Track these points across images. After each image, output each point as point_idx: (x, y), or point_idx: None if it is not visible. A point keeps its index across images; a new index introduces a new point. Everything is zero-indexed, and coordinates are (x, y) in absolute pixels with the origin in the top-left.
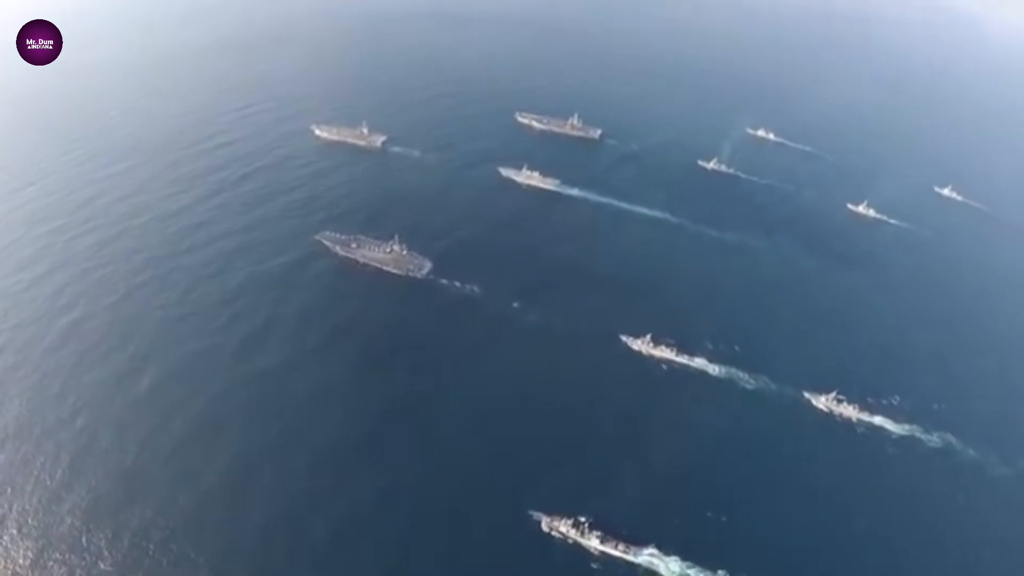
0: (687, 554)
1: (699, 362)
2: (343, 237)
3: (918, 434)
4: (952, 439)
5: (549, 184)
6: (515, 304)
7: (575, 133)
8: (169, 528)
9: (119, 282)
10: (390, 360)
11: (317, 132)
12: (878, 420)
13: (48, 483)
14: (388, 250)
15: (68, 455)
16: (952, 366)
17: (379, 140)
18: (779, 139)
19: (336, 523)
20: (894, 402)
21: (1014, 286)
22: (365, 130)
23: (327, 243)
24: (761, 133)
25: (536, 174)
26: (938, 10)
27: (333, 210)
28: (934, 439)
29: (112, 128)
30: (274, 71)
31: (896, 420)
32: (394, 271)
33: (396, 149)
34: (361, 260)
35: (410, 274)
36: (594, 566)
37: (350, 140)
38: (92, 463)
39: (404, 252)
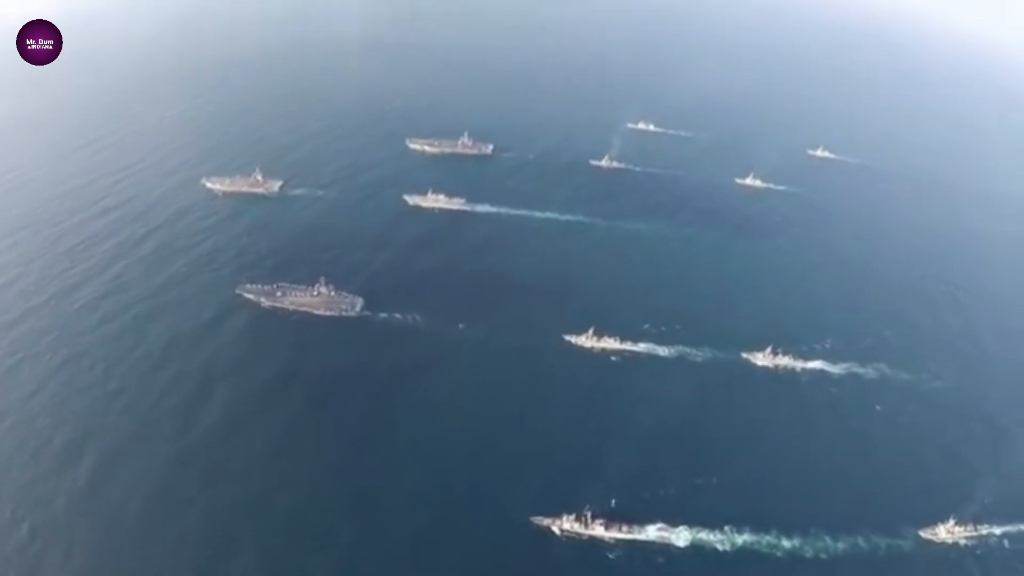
0: (692, 520)
1: (644, 346)
2: (265, 287)
3: (855, 369)
4: (885, 368)
5: (456, 204)
6: (461, 325)
7: (468, 151)
8: None
9: (32, 370)
10: (343, 402)
11: (209, 185)
12: (817, 364)
13: None
14: (315, 293)
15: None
16: (858, 303)
17: (276, 185)
18: (659, 128)
19: None
20: (826, 345)
21: (889, 222)
22: (259, 176)
23: (249, 295)
24: (642, 126)
25: (442, 196)
26: None
27: (243, 261)
28: (869, 371)
29: None
30: (151, 125)
31: (832, 361)
32: (326, 313)
33: (296, 191)
34: (290, 307)
35: (343, 314)
36: (611, 556)
37: (245, 189)
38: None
39: (332, 293)
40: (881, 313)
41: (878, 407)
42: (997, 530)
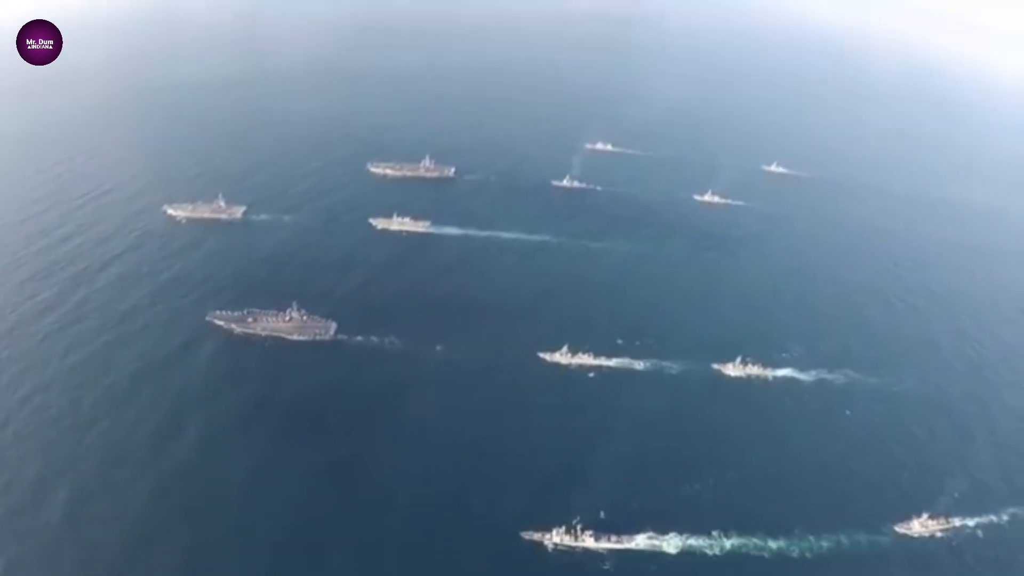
0: (681, 527)
1: (618, 361)
2: (236, 313)
3: (824, 375)
4: (852, 373)
5: (422, 227)
6: (439, 347)
7: (430, 174)
8: None
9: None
10: (323, 426)
11: (171, 212)
12: (787, 372)
13: None
14: (287, 318)
15: None
16: (819, 311)
17: (239, 210)
18: (617, 148)
19: None
20: (792, 354)
21: (843, 232)
22: (222, 203)
23: (219, 322)
24: (599, 146)
25: (408, 219)
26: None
27: (210, 288)
28: (838, 377)
29: None
30: (109, 151)
31: (801, 368)
32: (300, 338)
33: (260, 217)
34: (262, 333)
35: (317, 338)
36: (605, 567)
37: (208, 215)
38: None
39: (305, 317)
40: (842, 320)
41: (848, 412)
42: (970, 522)
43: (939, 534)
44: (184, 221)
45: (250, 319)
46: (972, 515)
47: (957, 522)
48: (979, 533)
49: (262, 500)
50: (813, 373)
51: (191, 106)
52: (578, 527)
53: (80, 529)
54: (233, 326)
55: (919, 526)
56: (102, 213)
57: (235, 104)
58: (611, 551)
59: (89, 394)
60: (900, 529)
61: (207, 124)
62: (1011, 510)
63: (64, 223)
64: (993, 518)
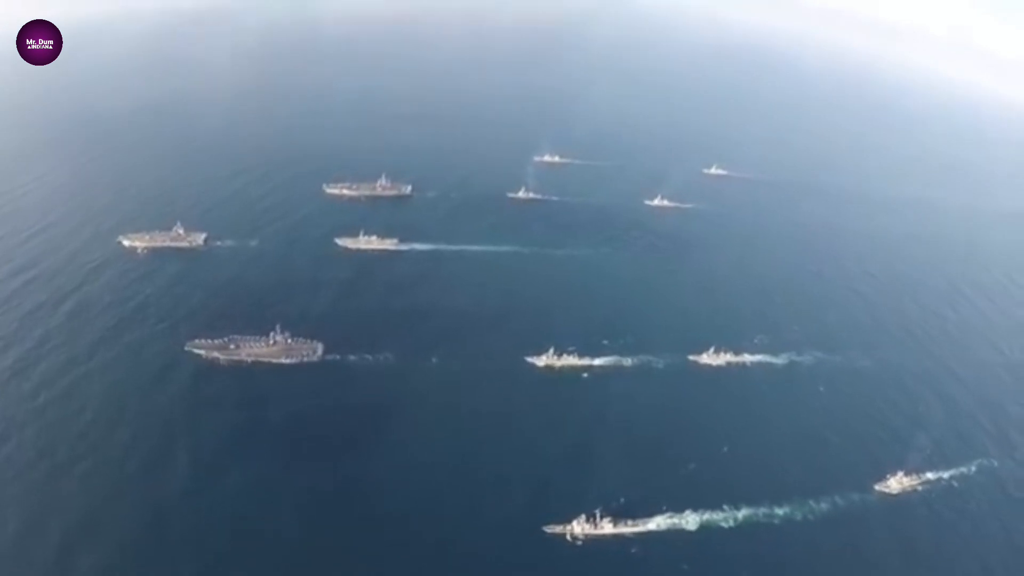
0: (696, 504)
1: (604, 360)
2: (217, 341)
3: (794, 357)
4: (821, 354)
5: (390, 244)
6: (434, 359)
7: (387, 193)
8: None
9: None
10: (328, 446)
11: (127, 243)
12: (760, 357)
13: None
14: (272, 342)
15: None
16: (774, 301)
17: (200, 237)
18: (565, 160)
19: None
20: (755, 341)
21: (783, 225)
22: (181, 230)
23: (200, 351)
24: (548, 158)
25: (374, 237)
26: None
27: (178, 317)
28: (807, 358)
29: None
30: (54, 182)
31: (774, 352)
32: (287, 361)
33: (222, 243)
34: (247, 359)
35: (305, 360)
36: (633, 551)
37: (168, 244)
38: None
39: (290, 340)
40: (797, 307)
41: (821, 388)
42: (944, 474)
43: (919, 487)
44: (142, 251)
45: (232, 346)
46: (944, 469)
47: (931, 476)
48: (954, 484)
49: (268, 529)
50: (784, 356)
51: (134, 133)
52: (597, 515)
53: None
54: (216, 354)
55: (896, 483)
56: (50, 246)
57: (179, 129)
58: (636, 535)
59: (68, 432)
60: (879, 487)
61: (153, 151)
62: (978, 461)
63: (12, 258)
64: (963, 469)
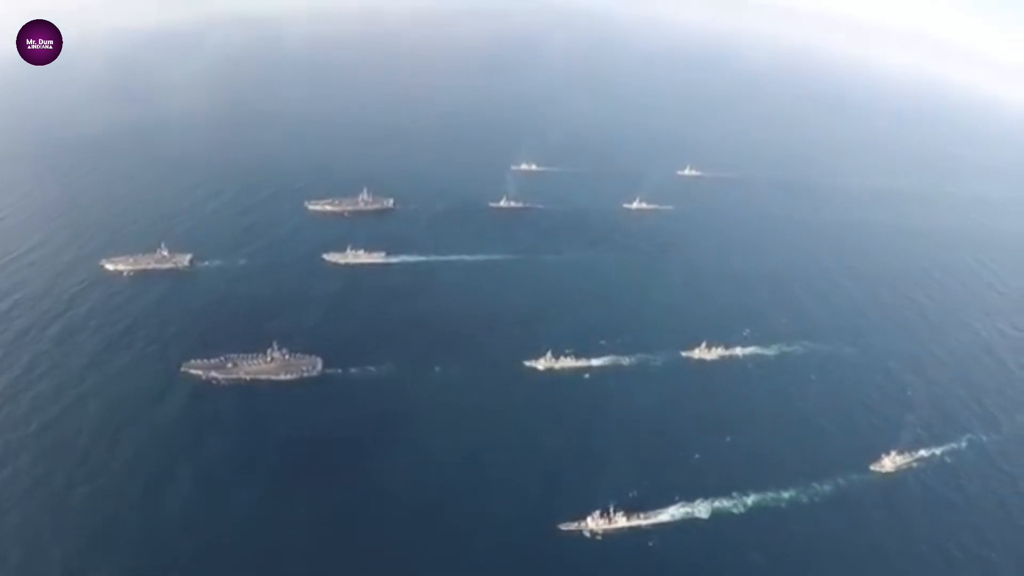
0: (706, 493)
1: (602, 360)
2: (213, 360)
3: (784, 348)
4: (808, 343)
5: (376, 258)
6: (437, 368)
7: (369, 207)
8: None
9: None
10: (338, 460)
11: (110, 267)
12: (752, 349)
13: None
14: (269, 359)
15: None
16: (756, 295)
17: (185, 258)
18: (542, 168)
19: None
20: (754, 333)
21: (758, 220)
22: (165, 252)
23: (196, 371)
24: (525, 167)
25: (362, 251)
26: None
27: (170, 337)
28: (797, 348)
29: None
30: (24, 209)
31: (764, 345)
32: (286, 377)
33: (208, 263)
34: (246, 377)
35: (305, 375)
36: (651, 543)
37: (152, 266)
38: None
39: (288, 356)
40: (779, 300)
41: (813, 376)
42: (935, 451)
43: (913, 465)
44: (127, 274)
45: (229, 364)
46: (934, 446)
47: (924, 453)
48: (945, 459)
49: (277, 550)
50: (775, 347)
51: (110, 156)
52: (611, 510)
53: None
54: (213, 373)
55: (890, 462)
56: (30, 272)
57: (155, 151)
58: (651, 526)
59: (64, 460)
60: (874, 467)
61: (129, 173)
62: (968, 436)
63: None
64: (954, 445)
